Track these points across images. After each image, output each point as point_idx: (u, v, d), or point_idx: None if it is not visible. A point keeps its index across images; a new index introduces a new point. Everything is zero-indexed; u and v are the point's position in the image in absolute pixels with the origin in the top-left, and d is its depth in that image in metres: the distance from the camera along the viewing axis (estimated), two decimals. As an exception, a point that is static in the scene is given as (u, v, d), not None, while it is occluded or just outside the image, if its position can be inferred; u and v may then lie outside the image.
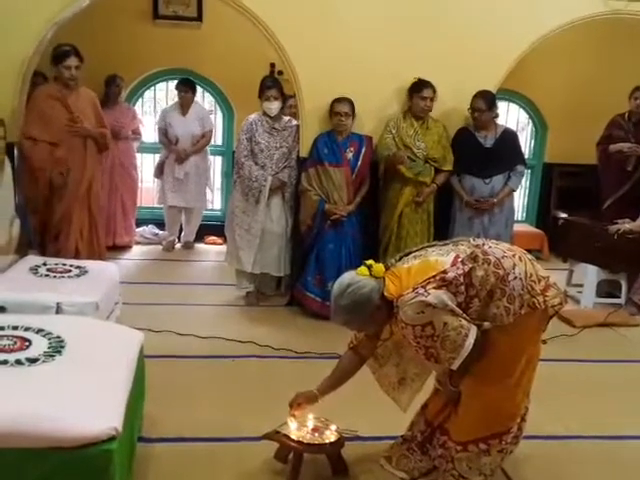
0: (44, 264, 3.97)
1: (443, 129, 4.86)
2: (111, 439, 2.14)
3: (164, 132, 6.52)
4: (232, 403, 3.42)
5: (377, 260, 2.62)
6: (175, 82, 6.61)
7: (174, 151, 6.45)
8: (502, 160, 4.92)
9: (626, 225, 5.25)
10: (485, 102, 4.82)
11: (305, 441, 2.76)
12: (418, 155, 4.77)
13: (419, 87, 4.73)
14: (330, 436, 2.81)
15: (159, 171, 6.65)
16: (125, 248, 6.58)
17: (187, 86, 6.44)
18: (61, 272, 3.87)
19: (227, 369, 3.91)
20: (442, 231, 4.84)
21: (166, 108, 6.72)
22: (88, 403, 2.24)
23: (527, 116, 7.48)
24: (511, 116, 7.38)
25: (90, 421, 2.15)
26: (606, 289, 5.54)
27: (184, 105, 6.46)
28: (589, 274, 5.43)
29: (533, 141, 7.50)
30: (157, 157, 6.84)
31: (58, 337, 2.66)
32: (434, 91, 4.74)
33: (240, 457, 2.93)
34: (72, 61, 4.49)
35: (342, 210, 4.74)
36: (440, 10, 4.84)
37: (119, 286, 4.18)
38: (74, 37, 4.87)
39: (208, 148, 6.73)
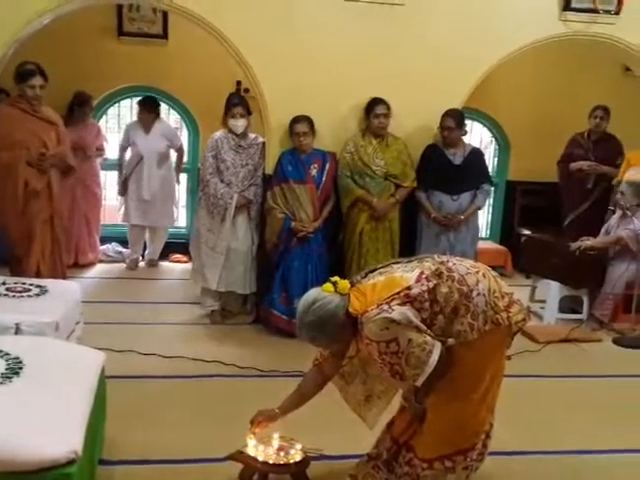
0: (3, 283, 3.88)
1: (403, 146, 4.90)
2: (70, 462, 2.10)
3: (124, 149, 6.47)
4: (196, 424, 3.37)
5: (343, 276, 2.62)
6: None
7: (138, 170, 6.39)
8: (470, 178, 4.98)
9: (587, 242, 5.34)
10: (454, 120, 4.88)
11: (270, 461, 2.74)
12: (377, 172, 4.80)
13: (372, 105, 4.79)
14: (295, 456, 2.78)
15: (123, 189, 6.57)
16: (89, 266, 6.48)
17: (146, 106, 6.38)
18: (20, 291, 3.79)
19: (191, 389, 3.86)
20: (408, 248, 4.87)
21: (130, 124, 6.66)
22: (46, 426, 2.20)
23: (490, 135, 7.59)
24: (475, 135, 7.47)
25: (48, 444, 2.10)
26: (568, 305, 5.61)
27: (145, 123, 6.41)
28: (551, 290, 5.49)
29: (496, 159, 7.60)
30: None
31: (16, 358, 2.61)
32: (388, 108, 4.79)
33: (204, 478, 2.89)
34: (36, 80, 4.43)
35: (308, 227, 4.74)
36: (403, 30, 4.89)
37: (80, 305, 4.10)
38: (38, 53, 4.83)
39: (172, 165, 6.67)
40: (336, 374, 2.77)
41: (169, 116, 7.25)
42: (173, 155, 6.68)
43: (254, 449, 2.77)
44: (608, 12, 5.05)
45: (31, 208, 4.50)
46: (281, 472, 2.77)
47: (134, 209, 6.50)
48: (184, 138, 7.21)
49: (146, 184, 6.40)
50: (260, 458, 2.73)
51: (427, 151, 4.99)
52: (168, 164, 6.59)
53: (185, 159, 7.19)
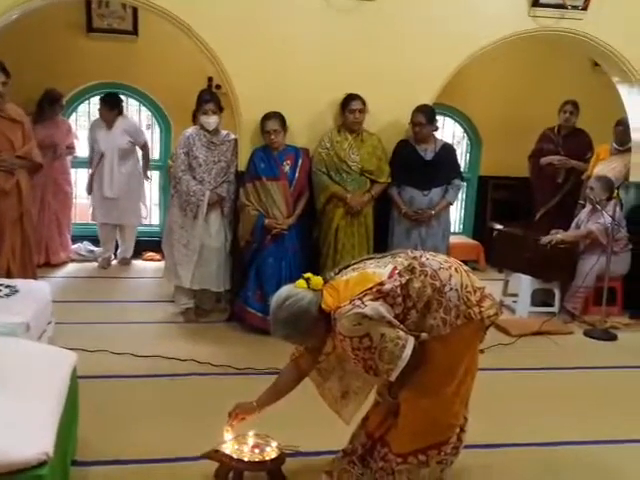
0: (-27, 284, 3.82)
1: (378, 141, 4.91)
2: (42, 464, 2.08)
3: (92, 147, 6.41)
4: (171, 423, 3.35)
5: (318, 273, 2.62)
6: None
7: (100, 167, 6.32)
8: (441, 173, 5.00)
9: (558, 235, 5.40)
10: (425, 116, 4.89)
11: (245, 459, 2.73)
12: (353, 168, 4.81)
13: (348, 100, 4.80)
14: (271, 453, 2.78)
15: (90, 187, 6.51)
16: (61, 265, 6.40)
17: (107, 102, 6.28)
18: (-10, 292, 3.73)
19: (165, 388, 3.83)
20: (381, 243, 4.88)
21: (93, 121, 6.57)
22: (17, 427, 2.17)
23: (462, 130, 7.64)
24: (447, 130, 7.52)
25: (19, 446, 2.08)
26: (540, 298, 5.67)
27: (107, 120, 6.32)
28: (523, 284, 5.55)
29: (468, 155, 7.65)
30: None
31: (-15, 359, 2.57)
32: (363, 103, 4.79)
33: (179, 477, 2.88)
34: None
35: (282, 224, 4.72)
36: (375, 25, 4.90)
37: (52, 305, 4.04)
38: (6, 50, 4.76)
39: (140, 162, 6.58)
40: (313, 370, 2.78)
41: (139, 113, 7.17)
42: (139, 152, 6.59)
43: (229, 447, 2.76)
44: (576, 8, 5.10)
45: (0, 208, 4.43)
46: (257, 469, 2.77)
47: (99, 207, 6.45)
48: (156, 135, 7.15)
49: (108, 181, 6.32)
50: (235, 456, 2.73)
51: (398, 147, 5.00)
52: (133, 161, 6.49)
53: (157, 156, 7.15)
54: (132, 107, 7.18)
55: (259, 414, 2.80)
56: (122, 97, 6.55)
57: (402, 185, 4.97)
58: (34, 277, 4.56)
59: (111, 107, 6.29)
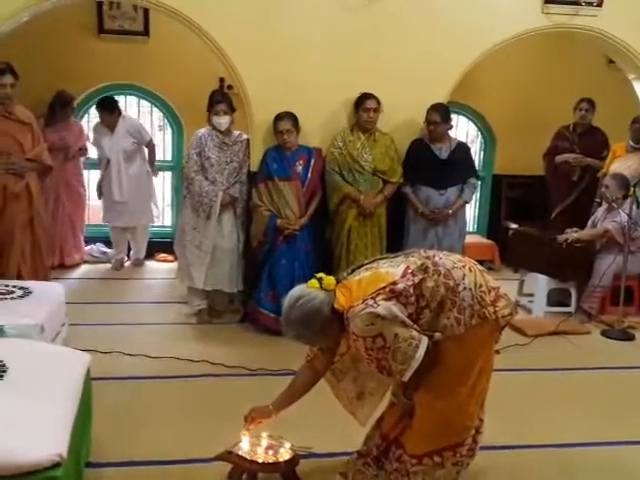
0: (-15, 286, 3.84)
1: (391, 141, 4.88)
2: (56, 466, 2.08)
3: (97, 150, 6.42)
4: (184, 424, 3.34)
5: (331, 273, 2.60)
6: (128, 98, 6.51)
7: (107, 172, 6.31)
8: (456, 172, 4.97)
9: (574, 234, 5.35)
10: (440, 114, 4.86)
11: (259, 460, 2.71)
12: (365, 168, 4.78)
13: (362, 99, 4.77)
14: (284, 454, 2.76)
15: (100, 191, 6.52)
16: (75, 266, 6.42)
17: (105, 107, 6.25)
18: (4, 294, 3.75)
19: (179, 389, 3.82)
20: (395, 243, 4.85)
21: (95, 126, 6.52)
22: (31, 429, 2.17)
23: (476, 129, 7.59)
24: (461, 129, 7.47)
25: (33, 447, 2.08)
26: (556, 298, 5.62)
27: (109, 124, 6.29)
28: (539, 283, 5.50)
29: (482, 153, 7.60)
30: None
31: (0, 362, 2.56)
32: (378, 102, 4.77)
33: (193, 479, 2.87)
34: (7, 79, 4.34)
35: (294, 224, 4.71)
36: (388, 23, 4.87)
37: (65, 307, 4.07)
38: (18, 52, 4.78)
39: (146, 163, 6.53)
40: (328, 370, 2.76)
41: (152, 114, 7.17)
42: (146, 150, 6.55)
43: (243, 448, 2.74)
44: (590, 4, 5.05)
45: (11, 211, 4.44)
46: (270, 471, 2.75)
47: (109, 211, 6.46)
48: (168, 136, 7.16)
49: (115, 185, 6.31)
50: (249, 457, 2.71)
51: (413, 146, 4.97)
52: (139, 161, 6.46)
53: (169, 157, 7.15)
54: (144, 108, 7.19)
55: (274, 417, 2.78)
56: (130, 98, 6.51)
57: (417, 184, 4.94)
58: (45, 279, 4.55)
59: (111, 111, 6.26)
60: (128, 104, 7.10)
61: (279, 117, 4.70)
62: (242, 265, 4.99)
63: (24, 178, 4.48)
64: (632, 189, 5.25)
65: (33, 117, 4.73)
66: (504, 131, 7.25)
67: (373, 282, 2.43)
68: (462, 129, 7.53)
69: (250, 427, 2.78)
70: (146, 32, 6.62)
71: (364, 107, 4.75)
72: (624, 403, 3.87)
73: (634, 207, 5.18)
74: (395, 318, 2.33)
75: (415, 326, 2.38)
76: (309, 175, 4.76)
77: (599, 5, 5.07)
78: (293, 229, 4.70)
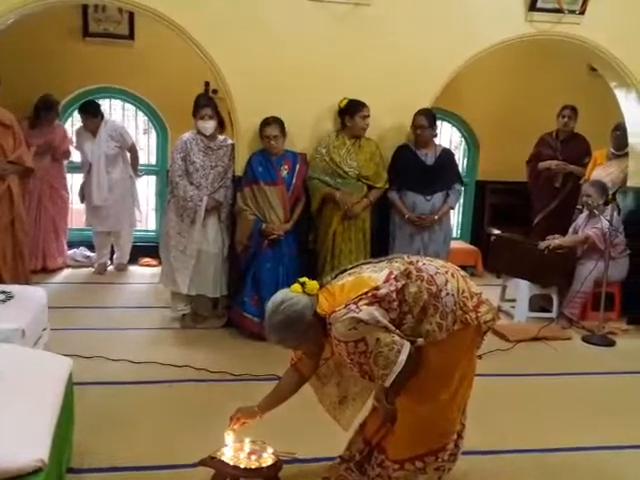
0: (-34, 290, 3.80)
1: (376, 147, 4.90)
2: (37, 471, 2.06)
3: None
4: (167, 429, 3.33)
5: (315, 278, 2.61)
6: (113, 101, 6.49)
7: (89, 176, 6.29)
8: (442, 178, 4.99)
9: (556, 240, 5.39)
10: (427, 119, 4.89)
11: (242, 465, 2.70)
12: (349, 173, 4.79)
13: (359, 107, 4.76)
14: (267, 459, 2.75)
15: (82, 195, 6.49)
16: (57, 270, 6.39)
17: (88, 111, 6.23)
18: (-16, 298, 3.70)
19: (162, 395, 3.81)
20: (381, 248, 4.86)
21: (78, 130, 6.49)
22: (11, 434, 2.15)
23: (460, 135, 7.64)
24: (444, 135, 7.51)
25: (14, 453, 2.06)
26: (538, 303, 5.66)
27: (92, 128, 6.27)
28: (521, 289, 5.54)
29: (466, 159, 7.65)
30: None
31: (-20, 366, 2.55)
32: (369, 109, 4.78)
33: (175, 485, 2.85)
34: None
35: (279, 229, 4.71)
36: (372, 29, 4.89)
37: (47, 311, 4.02)
38: (2, 54, 4.73)
39: (129, 167, 6.50)
40: (313, 374, 2.77)
41: (136, 118, 7.15)
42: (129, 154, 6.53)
43: (225, 454, 2.74)
44: (573, 12, 5.11)
45: None
46: (253, 476, 2.73)
47: (92, 215, 6.43)
48: (152, 140, 7.13)
49: (96, 190, 6.28)
50: (232, 463, 2.70)
51: (399, 151, 5.00)
52: (122, 166, 6.43)
53: (153, 161, 7.13)
54: (128, 112, 7.16)
55: (259, 419, 2.78)
56: (114, 101, 6.49)
57: (403, 190, 4.96)
58: (26, 282, 4.55)
59: (94, 115, 6.24)
60: (113, 108, 7.07)
61: (266, 122, 4.70)
62: (226, 270, 4.98)
63: (5, 180, 4.46)
64: (612, 196, 5.30)
65: (14, 119, 4.70)
66: (487, 137, 7.30)
67: (356, 287, 2.44)
68: (446, 135, 7.57)
69: (235, 427, 2.78)
70: (131, 36, 6.61)
71: (362, 114, 4.75)
72: (605, 408, 3.90)
73: (615, 214, 5.24)
74: (377, 323, 2.34)
75: (397, 331, 2.39)
76: (294, 180, 4.77)
77: (582, 13, 5.13)
78: (278, 234, 4.70)
